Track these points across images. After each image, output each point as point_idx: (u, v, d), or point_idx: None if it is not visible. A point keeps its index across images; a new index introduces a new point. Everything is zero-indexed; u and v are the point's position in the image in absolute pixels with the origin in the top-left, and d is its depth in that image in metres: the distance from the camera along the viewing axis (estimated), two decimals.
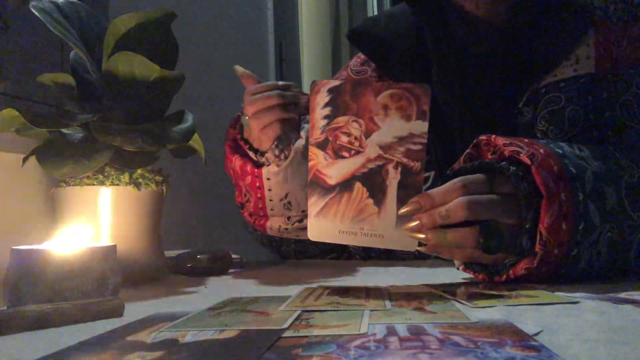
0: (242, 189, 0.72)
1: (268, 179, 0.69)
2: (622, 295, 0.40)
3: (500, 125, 0.69)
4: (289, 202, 0.69)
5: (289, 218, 0.71)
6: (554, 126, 0.65)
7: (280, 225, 0.72)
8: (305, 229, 0.69)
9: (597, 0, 0.67)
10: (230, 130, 0.74)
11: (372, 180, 0.46)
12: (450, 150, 0.70)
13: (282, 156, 0.68)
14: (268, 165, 0.68)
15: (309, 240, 0.48)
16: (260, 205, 0.71)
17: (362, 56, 0.84)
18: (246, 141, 0.72)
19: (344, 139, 0.47)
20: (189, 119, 0.59)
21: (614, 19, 0.65)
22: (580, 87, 0.64)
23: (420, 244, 0.47)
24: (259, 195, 0.70)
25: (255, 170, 0.69)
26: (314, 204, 0.48)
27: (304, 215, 0.69)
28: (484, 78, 0.71)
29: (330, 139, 0.47)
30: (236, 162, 0.71)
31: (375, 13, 2.18)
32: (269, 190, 0.69)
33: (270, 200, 0.70)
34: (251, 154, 0.71)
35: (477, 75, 0.71)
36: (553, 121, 0.65)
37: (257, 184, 0.69)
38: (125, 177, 0.57)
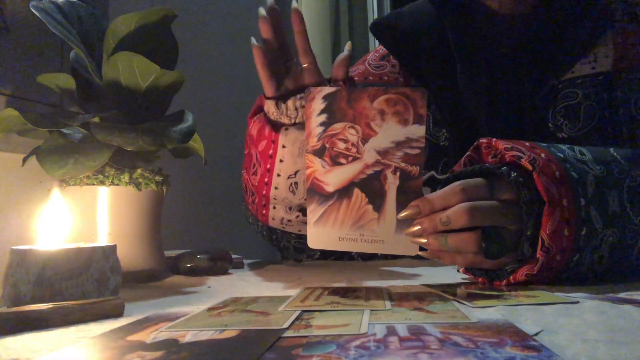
0: (252, 159, 0.70)
1: (284, 146, 0.66)
2: (622, 295, 0.40)
3: (519, 121, 0.69)
4: (296, 183, 0.67)
5: (290, 208, 0.70)
6: (569, 121, 0.66)
7: (282, 217, 0.70)
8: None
9: (618, 1, 0.68)
10: (256, 102, 0.72)
11: (370, 186, 0.46)
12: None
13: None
14: (286, 130, 0.65)
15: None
16: (266, 180, 0.68)
17: (381, 50, 0.83)
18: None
19: (340, 145, 0.46)
20: (189, 119, 0.59)
21: (633, 20, 0.67)
22: (597, 84, 0.66)
23: (421, 249, 0.46)
24: (268, 166, 0.67)
25: (273, 134, 0.66)
26: (313, 212, 0.47)
27: (304, 205, 0.68)
28: (506, 74, 0.71)
29: (327, 146, 0.47)
30: (255, 125, 0.69)
31: (376, 13, 2.18)
32: (280, 161, 0.66)
33: (278, 175, 0.67)
34: (273, 110, 0.66)
35: (500, 72, 0.71)
36: (568, 116, 0.66)
37: (270, 152, 0.67)
38: (125, 177, 0.57)
